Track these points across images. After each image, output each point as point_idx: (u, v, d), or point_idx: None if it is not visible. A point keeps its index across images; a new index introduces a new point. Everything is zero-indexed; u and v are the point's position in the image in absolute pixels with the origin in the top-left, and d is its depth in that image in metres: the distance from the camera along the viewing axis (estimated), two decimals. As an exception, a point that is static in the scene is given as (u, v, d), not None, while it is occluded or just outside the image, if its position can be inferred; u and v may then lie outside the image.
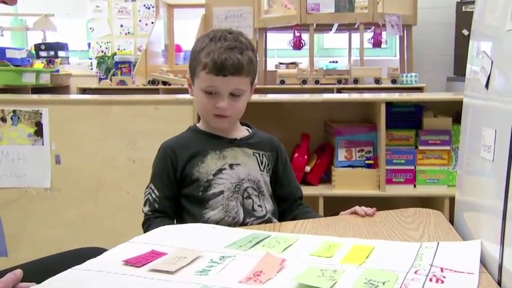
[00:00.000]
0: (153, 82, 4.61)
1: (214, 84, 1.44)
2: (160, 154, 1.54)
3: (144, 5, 5.38)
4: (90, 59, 5.55)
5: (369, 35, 4.69)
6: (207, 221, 1.45)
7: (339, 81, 4.39)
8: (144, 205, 1.52)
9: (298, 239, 1.18)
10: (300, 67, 4.63)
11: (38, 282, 0.94)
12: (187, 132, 1.60)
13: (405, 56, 4.79)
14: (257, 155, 1.55)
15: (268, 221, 1.51)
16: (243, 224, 1.47)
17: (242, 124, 1.62)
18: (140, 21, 5.42)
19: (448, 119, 2.54)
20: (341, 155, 2.57)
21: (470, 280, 0.92)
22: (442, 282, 0.91)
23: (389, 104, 2.50)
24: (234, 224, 1.46)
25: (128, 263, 1.02)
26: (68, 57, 5.30)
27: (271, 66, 5.08)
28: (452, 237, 1.20)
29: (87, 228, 2.55)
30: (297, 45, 4.59)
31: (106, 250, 1.14)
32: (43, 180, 2.53)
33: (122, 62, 4.87)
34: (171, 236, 1.21)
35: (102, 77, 5.14)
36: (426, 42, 5.14)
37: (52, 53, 5.09)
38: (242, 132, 1.59)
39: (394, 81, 4.30)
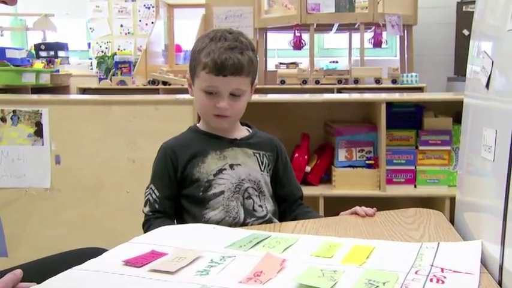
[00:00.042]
0: (153, 82, 4.61)
1: (214, 84, 1.44)
2: (161, 154, 1.54)
3: (144, 5, 5.38)
4: (90, 59, 5.55)
5: (369, 35, 4.68)
6: (207, 221, 1.45)
7: (339, 81, 4.39)
8: (145, 205, 1.52)
9: (298, 239, 1.18)
10: (300, 67, 4.63)
11: (38, 282, 0.94)
12: (188, 133, 1.60)
13: (405, 56, 4.79)
14: (257, 155, 1.55)
15: (269, 221, 1.51)
16: (243, 224, 1.47)
17: (242, 124, 1.62)
18: (140, 21, 5.41)
19: (448, 119, 2.54)
20: (341, 155, 2.57)
21: (471, 280, 0.92)
22: (443, 282, 0.91)
23: (389, 104, 2.50)
24: (234, 224, 1.46)
25: (128, 263, 1.02)
26: (68, 57, 5.29)
27: (271, 66, 5.07)
28: (452, 237, 1.20)
29: (87, 228, 2.55)
30: (297, 45, 4.58)
31: (106, 250, 1.14)
32: (43, 180, 2.53)
33: (122, 62, 4.87)
34: (171, 236, 1.21)
35: (102, 77, 5.14)
36: (426, 42, 5.14)
37: (52, 53, 5.09)
38: (242, 132, 1.59)
39: (394, 81, 4.30)
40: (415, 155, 2.53)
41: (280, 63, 5.03)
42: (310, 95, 3.13)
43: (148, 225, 1.47)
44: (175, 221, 1.53)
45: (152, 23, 5.33)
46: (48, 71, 4.55)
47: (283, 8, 4.82)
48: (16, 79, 4.01)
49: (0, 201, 2.55)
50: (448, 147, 2.51)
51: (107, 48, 5.46)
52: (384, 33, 4.57)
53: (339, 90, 4.28)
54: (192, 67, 1.50)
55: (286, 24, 4.63)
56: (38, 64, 4.70)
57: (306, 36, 4.60)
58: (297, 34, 4.55)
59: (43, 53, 5.08)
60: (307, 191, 2.27)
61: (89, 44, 5.56)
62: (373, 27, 4.56)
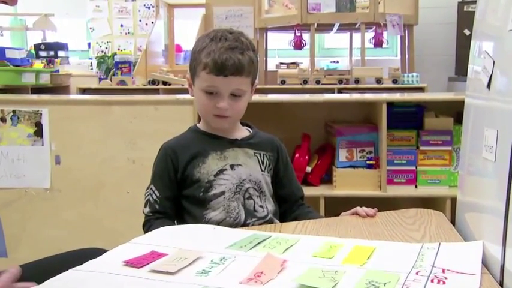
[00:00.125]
0: (153, 82, 4.61)
1: (214, 84, 1.44)
2: (161, 155, 1.54)
3: (144, 5, 5.38)
4: (90, 59, 5.55)
5: (370, 34, 4.69)
6: (208, 222, 1.44)
7: (340, 81, 4.39)
8: (145, 206, 1.51)
9: (299, 239, 1.18)
10: (301, 67, 4.62)
11: (38, 283, 0.94)
12: (188, 133, 1.60)
13: (406, 56, 4.79)
14: (258, 155, 1.55)
15: (270, 221, 1.51)
16: (244, 224, 1.47)
17: (243, 124, 1.62)
18: (140, 21, 5.42)
19: (449, 119, 2.53)
20: (342, 155, 2.57)
21: (472, 281, 0.92)
22: (444, 283, 0.91)
23: (390, 104, 2.49)
24: (235, 224, 1.46)
25: (128, 263, 1.02)
26: (67, 57, 5.29)
27: (271, 66, 5.07)
28: (453, 238, 1.20)
29: (87, 228, 2.54)
30: (298, 45, 4.58)
31: (106, 251, 1.14)
32: (43, 180, 2.53)
33: (122, 62, 4.87)
34: (171, 237, 1.21)
35: (102, 77, 5.14)
36: (427, 42, 5.14)
37: (52, 53, 5.09)
38: (243, 132, 1.59)
39: (395, 81, 4.30)
40: (416, 155, 2.53)
41: (281, 63, 5.03)
42: (310, 95, 3.12)
43: (148, 226, 1.47)
44: (175, 221, 1.53)
45: (152, 22, 5.33)
46: (48, 71, 4.55)
47: (284, 7, 4.82)
48: (16, 79, 4.01)
49: (0, 201, 2.54)
50: (449, 148, 2.51)
51: (107, 48, 5.46)
52: (385, 33, 4.57)
53: (340, 90, 4.27)
54: (193, 67, 1.50)
55: (286, 24, 4.62)
56: (38, 64, 4.70)
57: (306, 36, 4.60)
58: (298, 34, 4.55)
59: (43, 53, 5.08)
60: (308, 191, 2.27)
61: (89, 44, 5.57)
62: (374, 27, 4.56)
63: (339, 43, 5.57)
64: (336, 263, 1.02)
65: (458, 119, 2.46)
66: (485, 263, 1.02)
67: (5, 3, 1.14)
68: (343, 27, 4.88)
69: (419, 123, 2.57)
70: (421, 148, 2.52)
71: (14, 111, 2.50)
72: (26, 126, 2.50)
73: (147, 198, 1.51)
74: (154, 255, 1.06)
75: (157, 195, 1.50)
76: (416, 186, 2.55)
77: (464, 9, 4.79)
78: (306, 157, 2.59)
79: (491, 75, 1.10)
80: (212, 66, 1.42)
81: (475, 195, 1.24)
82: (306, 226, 1.34)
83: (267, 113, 2.53)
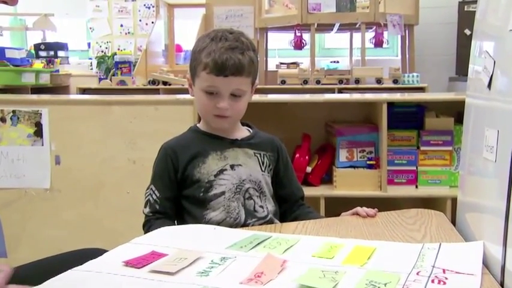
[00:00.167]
0: (153, 82, 4.61)
1: (215, 85, 1.44)
2: (161, 155, 1.54)
3: (144, 5, 5.38)
4: (90, 59, 5.55)
5: (370, 34, 4.68)
6: (208, 222, 1.44)
7: (340, 81, 4.39)
8: (145, 206, 1.51)
9: (299, 240, 1.17)
10: (301, 67, 4.62)
11: (39, 283, 0.93)
12: (188, 133, 1.60)
13: (407, 56, 4.78)
14: (258, 155, 1.55)
15: (270, 221, 1.50)
16: (244, 225, 1.47)
17: (243, 124, 1.62)
18: (140, 21, 5.42)
19: (450, 119, 2.53)
20: (342, 155, 2.56)
21: (473, 281, 0.92)
22: (444, 283, 0.90)
23: (391, 104, 2.49)
24: (235, 225, 1.46)
25: (128, 264, 1.02)
26: (67, 57, 5.29)
27: (272, 66, 5.07)
28: (454, 238, 1.19)
29: (87, 229, 2.54)
30: (298, 45, 4.58)
31: (106, 251, 1.14)
32: (43, 180, 2.53)
33: (122, 62, 4.87)
34: (171, 237, 1.21)
35: (102, 77, 5.14)
36: (428, 42, 5.13)
37: (52, 52, 5.09)
38: (243, 132, 1.59)
39: (395, 81, 4.29)
40: (416, 156, 2.53)
41: (281, 63, 5.03)
42: (311, 95, 3.12)
43: (148, 226, 1.47)
44: (175, 221, 1.53)
45: (152, 22, 5.33)
46: (48, 71, 4.55)
47: (284, 7, 4.82)
48: (16, 79, 4.01)
49: (0, 201, 2.54)
50: (450, 148, 2.51)
51: (107, 48, 5.46)
52: (385, 33, 4.57)
53: (340, 90, 4.27)
54: (193, 67, 1.49)
55: (286, 24, 4.62)
56: (38, 64, 4.70)
57: (306, 36, 4.60)
58: (298, 34, 4.55)
59: (43, 53, 5.07)
60: (308, 191, 2.27)
61: (89, 44, 5.57)
62: (374, 27, 4.56)
63: (339, 43, 5.56)
64: (337, 263, 1.02)
65: (459, 119, 2.45)
66: (485, 263, 1.02)
67: (6, 3, 1.14)
68: (343, 27, 4.88)
69: (419, 123, 2.57)
70: (422, 148, 2.52)
71: (13, 111, 2.50)
72: (26, 126, 2.50)
73: (147, 199, 1.51)
74: (155, 256, 1.06)
75: (158, 195, 1.50)
76: (416, 187, 2.55)
77: (465, 9, 4.78)
78: (306, 157, 2.59)
79: (491, 75, 1.09)
80: (212, 66, 1.42)
81: (475, 195, 1.24)
82: (306, 226, 1.34)
83: (267, 113, 2.52)
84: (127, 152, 2.51)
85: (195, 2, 5.33)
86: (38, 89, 4.31)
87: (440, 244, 1.10)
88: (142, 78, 4.87)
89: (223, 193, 1.47)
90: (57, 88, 4.68)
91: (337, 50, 5.61)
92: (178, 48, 5.68)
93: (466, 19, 4.72)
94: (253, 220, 1.48)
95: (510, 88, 1.01)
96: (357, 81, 4.34)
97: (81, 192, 2.55)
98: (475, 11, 1.32)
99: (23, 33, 5.69)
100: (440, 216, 1.39)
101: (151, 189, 1.51)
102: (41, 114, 2.50)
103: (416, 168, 2.54)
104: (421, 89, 4.24)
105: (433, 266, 0.98)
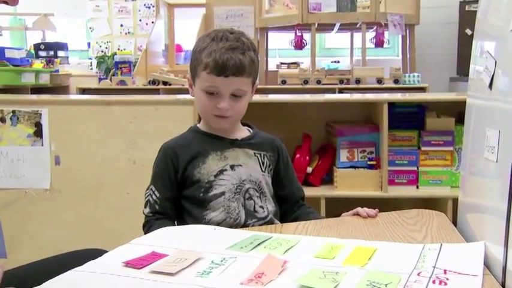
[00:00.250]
0: (153, 82, 4.61)
1: (215, 85, 1.43)
2: (161, 155, 1.54)
3: (145, 5, 5.38)
4: (90, 58, 5.55)
5: (371, 34, 4.68)
6: (208, 223, 1.44)
7: (341, 81, 4.39)
8: (145, 206, 1.51)
9: (300, 240, 1.17)
10: (302, 67, 4.62)
11: (38, 283, 0.94)
12: (188, 133, 1.59)
13: (408, 55, 4.78)
14: (258, 155, 1.54)
15: (270, 222, 1.50)
16: (244, 225, 1.46)
17: (243, 124, 1.61)
18: (140, 20, 5.41)
19: (451, 119, 2.53)
20: (343, 155, 2.56)
21: (474, 282, 0.91)
22: (445, 284, 0.90)
23: (391, 104, 2.49)
24: (235, 225, 1.45)
25: (129, 264, 1.01)
26: (67, 57, 5.28)
27: (272, 66, 5.07)
28: (455, 238, 1.19)
29: (87, 229, 2.54)
30: (299, 45, 4.58)
31: (106, 251, 1.14)
32: (43, 181, 2.53)
33: (122, 62, 4.87)
34: (171, 238, 1.21)
35: (102, 77, 5.14)
36: (429, 42, 5.13)
37: (51, 52, 5.08)
38: (243, 132, 1.59)
39: (396, 81, 4.29)
40: (417, 156, 2.52)
41: (282, 63, 5.03)
42: (311, 95, 3.12)
43: (148, 227, 1.46)
44: (175, 222, 1.52)
45: (152, 22, 5.33)
46: (47, 71, 4.55)
47: (285, 7, 4.82)
48: (15, 79, 4.01)
49: (-1, 202, 2.55)
50: (451, 148, 2.50)
51: (106, 48, 5.46)
52: (386, 33, 4.57)
53: (341, 91, 4.27)
54: (193, 67, 1.49)
55: (287, 24, 4.62)
56: (38, 64, 4.69)
57: (307, 36, 4.60)
58: (298, 34, 4.55)
59: (42, 53, 5.07)
60: (309, 192, 2.26)
61: (89, 44, 5.56)
62: (375, 27, 4.56)
63: (339, 43, 5.56)
64: (337, 264, 1.01)
65: (460, 119, 2.45)
66: (487, 264, 1.01)
67: (6, 3, 1.14)
68: (344, 27, 4.88)
69: (420, 124, 2.57)
70: (423, 148, 2.52)
71: (13, 112, 2.50)
72: (26, 126, 2.50)
73: (147, 199, 1.51)
74: (155, 256, 1.06)
75: (157, 195, 1.49)
76: (417, 187, 2.54)
77: (466, 9, 4.78)
78: (307, 157, 2.59)
79: (493, 75, 1.09)
80: (213, 67, 1.41)
81: (476, 195, 1.24)
82: (306, 227, 1.34)
83: (268, 113, 2.52)
84: (127, 152, 2.51)
85: (195, 2, 5.33)
86: (37, 89, 4.31)
87: (441, 245, 1.10)
88: (142, 78, 4.87)
89: (223, 193, 1.47)
90: (57, 88, 4.68)
91: (337, 50, 5.61)
92: (179, 48, 5.68)
93: (467, 19, 4.72)
94: (254, 220, 1.48)
95: (511, 88, 1.01)
96: (358, 81, 4.34)
97: (81, 192, 2.55)
98: (476, 11, 1.32)
99: (22, 33, 5.69)
100: (441, 217, 1.39)
101: (151, 189, 1.51)
102: (40, 114, 2.50)
103: (417, 168, 2.53)
104: (421, 89, 4.24)
105: (434, 267, 0.98)
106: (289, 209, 1.60)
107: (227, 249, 1.11)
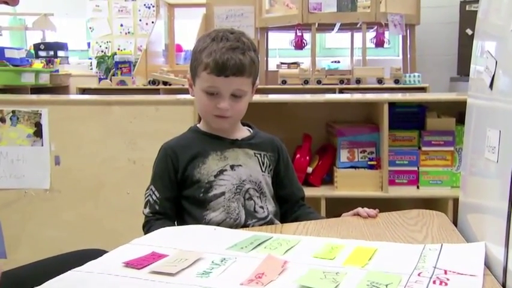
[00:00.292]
0: (153, 82, 4.61)
1: (215, 85, 1.43)
2: (161, 155, 1.53)
3: (145, 5, 5.38)
4: (90, 58, 5.54)
5: (371, 34, 4.68)
6: (208, 223, 1.44)
7: (341, 81, 4.38)
8: (145, 207, 1.51)
9: (300, 240, 1.17)
10: (302, 67, 4.62)
11: (38, 283, 0.93)
12: (188, 133, 1.59)
13: (408, 55, 4.78)
14: (258, 155, 1.54)
15: (270, 222, 1.50)
16: (244, 225, 1.46)
17: (243, 124, 1.61)
18: (140, 20, 5.41)
19: (451, 119, 2.53)
20: (343, 155, 2.56)
21: (474, 282, 0.91)
22: (446, 284, 0.90)
23: (392, 105, 2.48)
24: (235, 225, 1.45)
25: (129, 264, 1.01)
26: (67, 57, 5.28)
27: (272, 66, 5.07)
28: (456, 239, 1.19)
29: (87, 229, 2.54)
30: (299, 45, 4.58)
31: (106, 252, 1.14)
32: (42, 181, 2.52)
33: (122, 62, 4.87)
34: (171, 238, 1.21)
35: (102, 77, 5.14)
36: (429, 42, 5.13)
37: (51, 52, 5.08)
38: (243, 132, 1.58)
39: (397, 81, 4.29)
40: (417, 156, 2.52)
41: (282, 63, 5.02)
42: (311, 95, 3.12)
43: (148, 227, 1.46)
44: (175, 222, 1.52)
45: (152, 22, 5.33)
46: (47, 71, 4.55)
47: (285, 7, 4.82)
48: (15, 79, 4.01)
49: (-1, 202, 2.55)
50: (451, 148, 2.50)
51: (106, 48, 5.46)
52: (386, 33, 4.57)
53: (341, 91, 4.27)
54: (193, 67, 1.49)
55: (287, 24, 4.62)
56: (37, 64, 4.69)
57: (307, 36, 4.59)
58: (299, 34, 4.55)
59: (42, 53, 5.07)
60: (309, 192, 2.26)
61: (89, 44, 5.56)
62: (376, 27, 4.56)
63: (340, 43, 5.56)
64: (337, 264, 1.01)
65: (461, 120, 2.45)
66: (487, 265, 1.01)
67: (7, 3, 1.14)
68: (344, 27, 4.87)
69: (421, 124, 2.56)
70: (423, 149, 2.52)
71: (13, 112, 2.49)
72: (26, 126, 2.50)
73: (147, 199, 1.51)
74: (155, 256, 1.06)
75: (157, 195, 1.49)
76: (418, 187, 2.54)
77: (467, 9, 4.78)
78: (307, 157, 2.59)
79: (493, 75, 1.09)
80: (213, 67, 1.41)
81: (477, 196, 1.24)
82: (307, 227, 1.34)
83: (268, 113, 2.52)
84: (127, 152, 2.51)
85: (195, 2, 5.32)
86: (37, 89, 4.31)
87: (441, 245, 1.10)
88: (142, 78, 4.87)
89: (223, 193, 1.47)
90: (57, 88, 4.68)
91: (338, 49, 5.60)
92: (179, 48, 5.67)
93: (467, 19, 4.71)
94: (254, 221, 1.48)
95: (512, 88, 1.01)
96: (358, 81, 4.34)
97: (81, 192, 2.55)
98: (476, 11, 1.32)
99: (22, 33, 5.69)
100: (442, 217, 1.38)
101: (151, 189, 1.51)
102: (40, 114, 2.50)
103: (418, 168, 2.53)
104: (422, 89, 4.24)
105: (435, 267, 0.97)
106: (290, 209, 1.60)
107: (227, 249, 1.11)
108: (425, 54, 5.06)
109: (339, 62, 5.22)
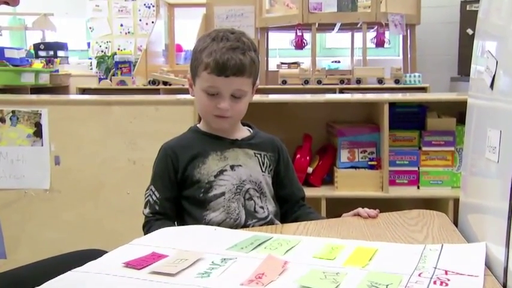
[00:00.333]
0: (153, 82, 4.61)
1: (215, 85, 1.43)
2: (161, 155, 1.53)
3: (145, 4, 5.38)
4: (90, 58, 5.55)
5: (371, 34, 4.68)
6: (208, 223, 1.44)
7: (342, 81, 4.39)
8: (145, 207, 1.51)
9: (300, 241, 1.17)
10: (302, 67, 4.62)
11: (38, 284, 0.93)
12: (188, 133, 1.59)
13: (408, 55, 4.78)
14: (258, 155, 1.54)
15: (270, 222, 1.50)
16: (244, 225, 1.46)
17: (243, 124, 1.61)
18: (140, 20, 5.42)
19: (452, 119, 2.53)
20: (343, 156, 2.56)
21: (475, 283, 0.91)
22: (447, 285, 0.90)
23: (392, 105, 2.48)
24: (235, 225, 1.45)
25: (129, 265, 1.01)
26: (67, 57, 5.28)
27: (272, 66, 5.07)
28: (456, 239, 1.19)
29: (87, 229, 2.54)
30: (299, 44, 4.58)
31: (106, 252, 1.14)
32: (42, 181, 2.52)
33: (122, 61, 4.87)
34: (172, 238, 1.20)
35: (102, 77, 5.14)
36: (430, 42, 5.13)
37: (51, 52, 5.08)
38: (243, 132, 1.58)
39: (397, 81, 4.29)
40: (418, 156, 2.52)
41: (282, 63, 5.03)
42: (312, 95, 3.11)
43: (148, 227, 1.46)
44: (175, 222, 1.52)
45: (152, 22, 5.33)
46: (47, 71, 4.55)
47: (285, 7, 4.82)
48: (15, 79, 4.01)
49: (-1, 202, 2.55)
50: (452, 148, 2.50)
51: (106, 48, 5.46)
52: (387, 33, 4.57)
53: (341, 91, 4.27)
54: (193, 67, 1.49)
55: (287, 24, 4.62)
56: (37, 64, 4.69)
57: (307, 36, 4.59)
58: (299, 34, 4.55)
59: (42, 53, 5.07)
60: (309, 192, 2.26)
61: (89, 44, 5.57)
62: (376, 27, 4.56)
63: (340, 43, 5.56)
64: (338, 265, 1.01)
65: (461, 120, 2.45)
66: (488, 265, 1.01)
67: (7, 3, 1.13)
68: (344, 27, 4.87)
69: (421, 124, 2.56)
70: (424, 149, 2.52)
71: (13, 112, 2.49)
72: (26, 126, 2.50)
73: (146, 199, 1.51)
74: (155, 257, 1.06)
75: (157, 196, 1.49)
76: (418, 187, 2.54)
77: (467, 9, 4.78)
78: (307, 158, 2.59)
79: (494, 75, 1.09)
80: (213, 67, 1.41)
81: (477, 196, 1.24)
82: (307, 227, 1.33)
83: (268, 113, 2.52)
84: (127, 152, 2.51)
85: (195, 2, 5.33)
86: (37, 89, 4.31)
87: (442, 245, 1.10)
88: (142, 78, 4.87)
89: (223, 194, 1.46)
90: (57, 88, 4.68)
91: (338, 49, 5.61)
92: (179, 48, 5.68)
93: (468, 18, 4.72)
94: (254, 221, 1.48)
95: (513, 88, 1.01)
96: (358, 81, 4.34)
97: (81, 192, 2.55)
98: (477, 11, 1.31)
99: (22, 32, 5.68)
100: (442, 217, 1.38)
101: (151, 189, 1.51)
102: (40, 114, 2.49)
103: (418, 168, 2.53)
104: (422, 89, 4.24)
105: (435, 268, 0.97)
106: (290, 209, 1.60)
107: (227, 249, 1.11)
108: (425, 54, 5.06)
109: (339, 62, 5.22)
